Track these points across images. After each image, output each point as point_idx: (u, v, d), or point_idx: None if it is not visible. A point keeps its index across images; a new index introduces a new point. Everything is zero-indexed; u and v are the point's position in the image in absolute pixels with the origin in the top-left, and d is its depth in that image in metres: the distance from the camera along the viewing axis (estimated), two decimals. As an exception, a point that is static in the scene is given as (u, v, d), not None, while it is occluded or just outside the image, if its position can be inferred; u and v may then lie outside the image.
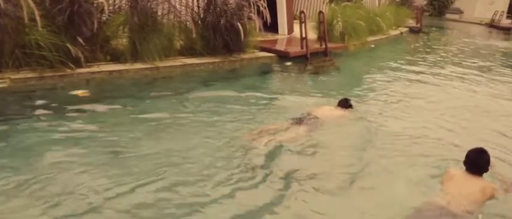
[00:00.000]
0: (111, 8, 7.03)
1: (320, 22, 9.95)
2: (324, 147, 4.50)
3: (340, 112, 5.40)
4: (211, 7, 7.93)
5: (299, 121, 4.94)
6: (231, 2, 8.09)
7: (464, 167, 3.65)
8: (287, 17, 11.96)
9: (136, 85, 6.41)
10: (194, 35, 7.57)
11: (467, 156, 3.68)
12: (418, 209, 3.26)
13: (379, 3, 17.73)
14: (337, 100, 5.62)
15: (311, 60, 9.26)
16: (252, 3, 8.09)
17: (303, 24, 9.28)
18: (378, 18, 13.76)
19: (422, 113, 6.19)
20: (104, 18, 6.73)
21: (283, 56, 9.18)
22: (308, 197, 3.52)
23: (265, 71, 8.24)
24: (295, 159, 4.17)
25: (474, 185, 3.44)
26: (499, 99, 7.53)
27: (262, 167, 3.94)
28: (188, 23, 7.92)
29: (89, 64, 6.41)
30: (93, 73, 6.31)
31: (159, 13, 7.58)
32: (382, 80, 8.39)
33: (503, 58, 14.44)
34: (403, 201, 3.45)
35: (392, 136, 5.01)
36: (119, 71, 6.61)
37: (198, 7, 8.14)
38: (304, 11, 9.70)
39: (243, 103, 5.95)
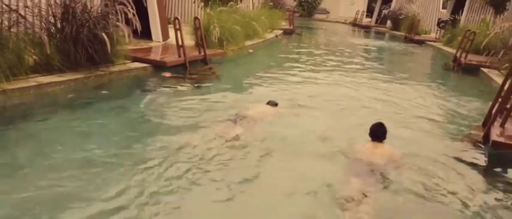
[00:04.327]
0: None
1: (196, 28, 9.43)
2: (264, 140, 4.99)
3: (271, 109, 6.01)
4: (70, 16, 6.86)
5: (234, 121, 5.37)
6: (93, 10, 7.11)
7: (369, 138, 4.75)
8: (160, 22, 11.20)
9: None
10: (49, 49, 6.44)
11: (370, 129, 4.78)
12: (351, 162, 4.43)
13: (253, 7, 17.85)
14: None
15: (191, 69, 8.70)
16: (118, 10, 7.22)
17: (179, 31, 8.66)
18: (253, 23, 13.68)
19: (315, 110, 6.60)
20: None
21: (159, 66, 8.45)
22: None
23: (139, 85, 7.40)
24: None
25: (379, 147, 4.64)
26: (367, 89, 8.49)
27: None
28: (43, 35, 6.74)
29: None
30: None
31: (4, 25, 6.33)
32: (264, 85, 8.27)
33: (371, 55, 15.62)
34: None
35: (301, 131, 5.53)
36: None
37: (54, 17, 7.01)
38: (178, 17, 9.08)
39: (117, 128, 5.18)
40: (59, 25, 6.99)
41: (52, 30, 6.99)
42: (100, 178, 3.77)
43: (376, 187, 4.03)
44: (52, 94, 6.23)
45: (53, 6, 6.99)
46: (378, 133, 4.72)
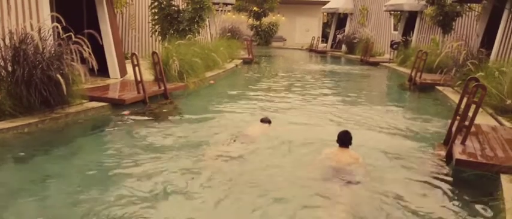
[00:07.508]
0: None
1: (155, 63, 9.29)
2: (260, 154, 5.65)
3: (265, 127, 6.65)
4: (21, 59, 6.56)
5: (234, 138, 6.05)
6: (45, 50, 6.84)
7: (337, 144, 5.38)
8: (117, 58, 10.97)
9: None
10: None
11: (338, 136, 5.41)
12: (322, 167, 4.96)
13: (211, 39, 17.89)
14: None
15: (151, 105, 8.50)
16: (73, 50, 7.00)
17: (137, 67, 8.49)
18: (213, 54, 13.69)
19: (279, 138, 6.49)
20: None
21: (118, 104, 8.20)
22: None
23: (98, 125, 7.13)
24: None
25: (346, 153, 5.24)
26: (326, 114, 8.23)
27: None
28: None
29: None
30: None
31: None
32: (227, 114, 8.24)
33: (329, 79, 15.89)
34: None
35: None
36: None
37: (4, 60, 6.69)
38: (136, 52, 8.92)
39: (75, 173, 4.91)
40: (9, 68, 6.68)
41: (2, 74, 6.67)
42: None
43: (348, 189, 4.53)
44: (3, 141, 5.86)
45: (2, 49, 6.68)
46: (345, 139, 5.35)
